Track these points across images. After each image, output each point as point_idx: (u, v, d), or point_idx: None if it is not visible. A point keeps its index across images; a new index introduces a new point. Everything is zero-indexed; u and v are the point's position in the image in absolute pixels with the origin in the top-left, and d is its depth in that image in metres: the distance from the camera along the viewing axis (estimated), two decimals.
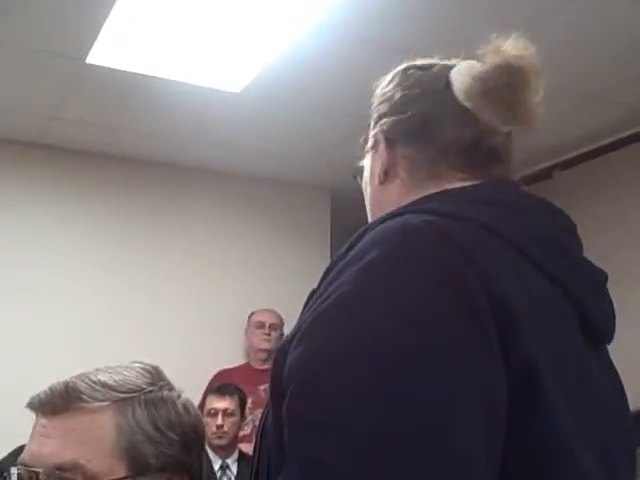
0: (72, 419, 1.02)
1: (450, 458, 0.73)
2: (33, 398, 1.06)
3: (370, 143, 1.11)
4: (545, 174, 4.28)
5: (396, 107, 1.06)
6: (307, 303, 0.96)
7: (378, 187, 1.08)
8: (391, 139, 1.06)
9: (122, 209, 4.40)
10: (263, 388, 3.99)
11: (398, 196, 1.03)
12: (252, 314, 4.46)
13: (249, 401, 3.80)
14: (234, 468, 3.55)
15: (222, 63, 3.19)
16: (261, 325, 4.40)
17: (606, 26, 2.82)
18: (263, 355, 4.30)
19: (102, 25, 2.84)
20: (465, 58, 1.07)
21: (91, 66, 3.19)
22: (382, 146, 1.07)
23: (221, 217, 4.66)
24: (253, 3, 2.70)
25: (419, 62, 1.10)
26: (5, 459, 2.94)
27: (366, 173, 1.13)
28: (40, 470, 1.01)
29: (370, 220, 1.09)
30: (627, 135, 3.86)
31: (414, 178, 1.03)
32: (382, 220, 0.93)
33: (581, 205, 4.02)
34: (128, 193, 4.43)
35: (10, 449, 2.82)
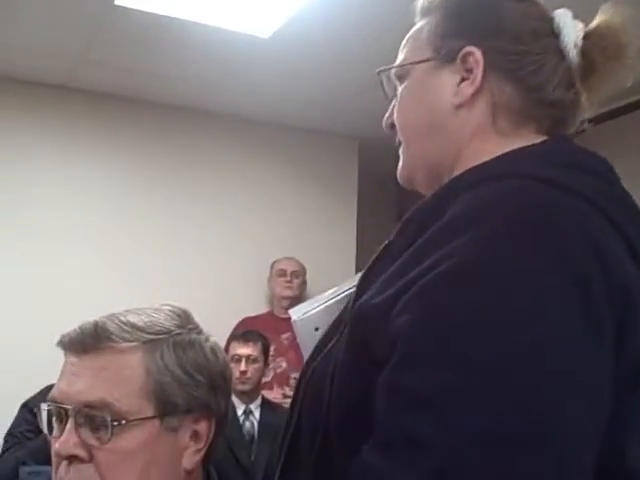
0: (101, 358, 1.03)
1: (557, 458, 0.71)
2: (63, 337, 1.07)
3: (438, 53, 0.98)
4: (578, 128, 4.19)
5: (508, 33, 0.95)
6: (381, 255, 0.93)
7: (449, 110, 0.96)
8: (491, 67, 0.94)
9: (149, 153, 4.38)
10: (286, 337, 4.02)
11: (477, 130, 0.94)
12: (274, 262, 4.47)
13: (272, 348, 3.82)
14: (257, 413, 3.58)
15: (251, 7, 3.15)
16: (283, 273, 4.42)
17: None
18: (286, 303, 4.32)
19: None
20: None
21: (119, 7, 3.16)
22: (480, 68, 0.94)
23: (247, 164, 4.64)
24: None
25: None
26: (35, 397, 2.99)
27: (423, 85, 0.99)
28: (70, 407, 1.02)
29: (408, 141, 1.01)
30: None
31: (504, 120, 0.94)
32: (479, 179, 0.87)
33: (618, 159, 3.95)
34: (154, 137, 4.41)
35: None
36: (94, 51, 3.67)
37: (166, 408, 1.03)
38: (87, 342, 1.04)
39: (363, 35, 3.27)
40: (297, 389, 0.97)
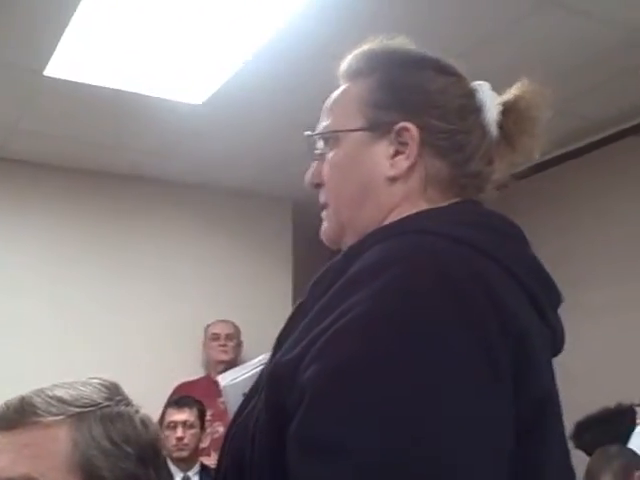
0: (26, 434, 1.02)
1: None
2: None
3: (371, 124, 1.00)
4: (502, 184, 4.33)
5: (438, 110, 0.99)
6: (294, 314, 0.95)
7: (382, 180, 0.99)
8: (424, 142, 0.98)
9: (81, 222, 4.36)
10: (222, 400, 3.97)
11: (403, 200, 0.98)
12: (208, 326, 4.45)
13: (208, 413, 3.78)
14: None
15: (184, 75, 3.20)
16: (216, 337, 4.39)
17: (562, 41, 2.88)
18: (221, 367, 4.28)
19: (60, 38, 2.83)
20: None
21: (49, 78, 3.17)
22: (415, 144, 0.97)
23: (181, 229, 4.65)
24: (213, 15, 2.71)
25: (444, 61, 1.05)
26: None
27: (358, 154, 1.01)
28: None
29: (338, 205, 1.04)
30: (583, 145, 3.94)
31: (432, 193, 0.99)
32: (386, 235, 0.91)
33: (536, 214, 4.10)
34: (88, 205, 4.39)
35: None
36: (26, 121, 3.67)
37: None
38: (12, 418, 1.03)
39: (294, 100, 3.35)
40: (221, 453, 0.99)
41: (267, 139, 3.86)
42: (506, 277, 0.88)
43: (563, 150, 4.02)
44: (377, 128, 1.00)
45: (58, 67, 3.08)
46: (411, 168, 0.97)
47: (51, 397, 1.05)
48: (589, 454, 2.61)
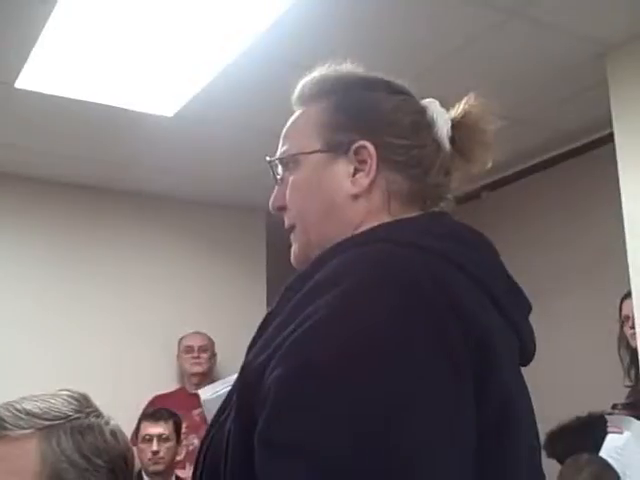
0: None
1: None
2: None
3: (339, 144, 1.04)
4: (474, 194, 4.38)
5: (393, 127, 1.04)
6: (264, 323, 0.97)
7: (345, 198, 1.03)
8: (381, 159, 1.02)
9: (50, 234, 4.33)
10: (197, 412, 3.96)
11: (366, 216, 1.01)
12: (181, 339, 4.44)
13: (184, 426, 3.76)
14: None
15: (154, 87, 3.20)
16: (190, 349, 4.38)
17: (530, 53, 2.92)
18: (195, 379, 4.28)
19: (31, 50, 2.82)
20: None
21: (20, 91, 3.16)
22: (373, 161, 1.02)
23: (151, 241, 4.64)
24: (184, 29, 2.71)
25: (398, 81, 1.10)
26: None
27: (320, 175, 1.05)
28: None
29: (307, 224, 1.07)
30: (550, 157, 3.99)
31: (393, 207, 1.02)
32: (350, 245, 0.94)
33: (507, 224, 4.15)
34: (55, 218, 4.37)
35: None
36: None
37: None
38: None
39: (265, 111, 3.35)
40: (196, 465, 0.99)
41: (239, 150, 3.85)
42: (467, 281, 0.91)
43: (532, 162, 4.08)
44: (335, 149, 1.04)
45: (29, 79, 3.06)
46: (372, 184, 1.02)
47: (19, 410, 1.05)
48: (562, 463, 2.63)
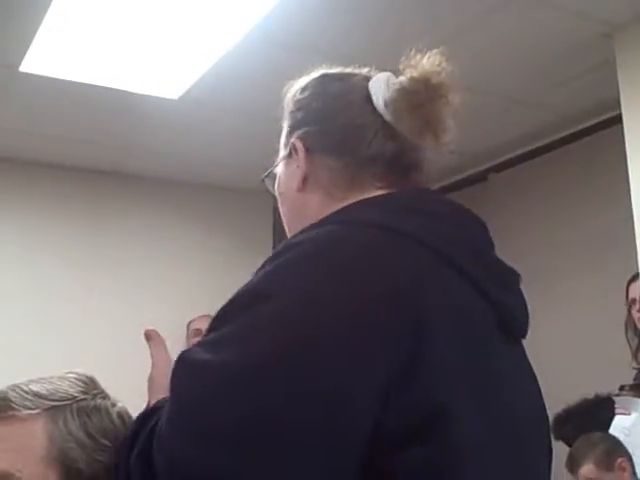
0: (2, 428, 1.02)
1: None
2: None
3: (285, 150, 1.12)
4: (481, 177, 4.37)
5: (315, 117, 1.09)
6: None
7: (296, 194, 1.09)
8: (311, 148, 1.08)
9: (58, 219, 4.34)
10: None
11: (319, 206, 1.05)
12: (190, 322, 4.45)
13: None
14: None
15: (159, 70, 3.19)
16: (199, 333, 4.37)
17: (535, 33, 2.90)
18: None
19: (35, 33, 2.81)
20: (390, 66, 1.10)
21: (25, 74, 3.15)
22: (301, 155, 1.08)
23: (158, 225, 4.64)
24: (189, 10, 2.70)
25: (334, 71, 1.13)
26: None
27: (281, 179, 1.14)
28: None
29: (287, 226, 1.13)
30: (557, 138, 3.97)
31: (337, 189, 1.05)
32: (308, 229, 0.95)
33: (514, 206, 4.14)
34: (59, 202, 4.37)
35: None
36: (1, 118, 3.64)
37: (71, 475, 1.03)
38: None
39: (269, 95, 3.34)
40: None
41: (244, 133, 3.85)
42: (422, 255, 0.90)
43: (539, 143, 4.06)
44: (287, 152, 1.12)
45: (33, 63, 3.06)
46: (307, 177, 1.08)
47: (26, 392, 1.05)
48: (569, 445, 2.64)
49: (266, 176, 1.20)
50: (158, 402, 0.95)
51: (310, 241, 0.90)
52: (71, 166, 4.34)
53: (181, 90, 3.37)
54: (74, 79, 3.22)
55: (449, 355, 0.84)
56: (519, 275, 1.03)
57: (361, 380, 0.78)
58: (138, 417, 0.94)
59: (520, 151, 4.16)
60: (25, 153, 4.16)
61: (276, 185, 1.16)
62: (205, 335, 0.88)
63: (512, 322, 0.99)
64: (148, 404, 1.01)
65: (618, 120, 2.99)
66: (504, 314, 0.97)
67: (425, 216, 0.95)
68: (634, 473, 2.47)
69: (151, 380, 1.10)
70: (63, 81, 3.23)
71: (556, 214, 4.03)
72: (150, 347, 1.17)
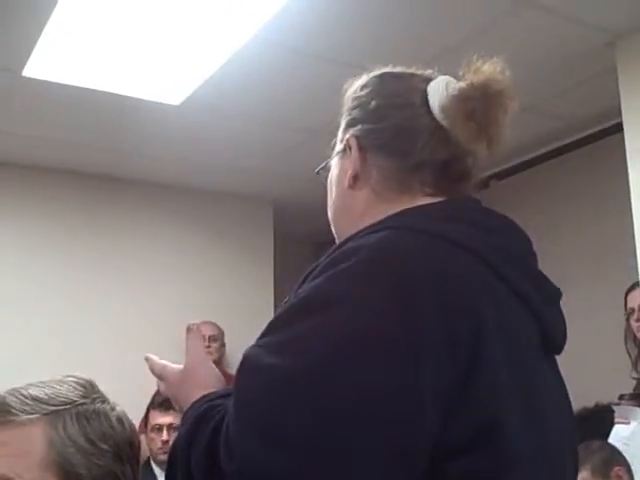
0: (1, 433, 1.02)
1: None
2: None
3: (340, 146, 1.11)
4: (482, 184, 4.36)
5: (371, 115, 1.07)
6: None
7: (346, 190, 1.08)
8: (364, 147, 1.06)
9: (54, 222, 4.34)
10: None
11: (367, 204, 1.05)
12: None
13: None
14: None
15: (161, 75, 3.19)
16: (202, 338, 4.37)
17: (538, 42, 2.90)
18: None
19: (38, 38, 2.82)
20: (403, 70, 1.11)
21: (27, 79, 3.16)
22: (355, 152, 1.07)
23: (159, 230, 4.63)
24: (190, 17, 2.71)
25: (396, 70, 1.12)
26: None
27: (334, 173, 1.13)
28: None
29: (332, 219, 1.13)
30: (559, 146, 3.98)
31: (385, 189, 1.04)
32: (365, 233, 0.95)
33: (514, 213, 4.12)
34: (61, 206, 4.37)
35: None
36: (3, 122, 3.65)
37: (70, 479, 1.03)
38: None
39: (271, 101, 3.35)
40: None
41: (246, 139, 3.85)
42: (479, 268, 0.90)
43: (540, 151, 4.06)
44: (342, 147, 1.10)
45: (36, 67, 3.06)
46: (358, 174, 1.07)
47: (25, 396, 1.05)
48: None
49: (321, 168, 1.19)
50: (207, 397, 0.96)
51: (369, 248, 0.88)
52: (73, 170, 4.34)
53: (182, 96, 3.38)
54: (76, 84, 3.23)
55: (500, 368, 0.85)
56: (560, 291, 1.04)
57: (424, 384, 0.79)
58: (193, 415, 0.93)
59: (521, 159, 4.16)
60: (26, 157, 4.15)
61: (329, 178, 1.15)
62: (264, 336, 0.88)
63: (552, 337, 1.00)
64: (183, 394, 1.03)
65: (619, 128, 2.99)
66: (547, 329, 0.98)
67: (481, 229, 0.96)
68: None
69: (186, 371, 1.10)
70: (66, 86, 3.23)
71: (557, 221, 4.03)
72: (187, 339, 1.17)
